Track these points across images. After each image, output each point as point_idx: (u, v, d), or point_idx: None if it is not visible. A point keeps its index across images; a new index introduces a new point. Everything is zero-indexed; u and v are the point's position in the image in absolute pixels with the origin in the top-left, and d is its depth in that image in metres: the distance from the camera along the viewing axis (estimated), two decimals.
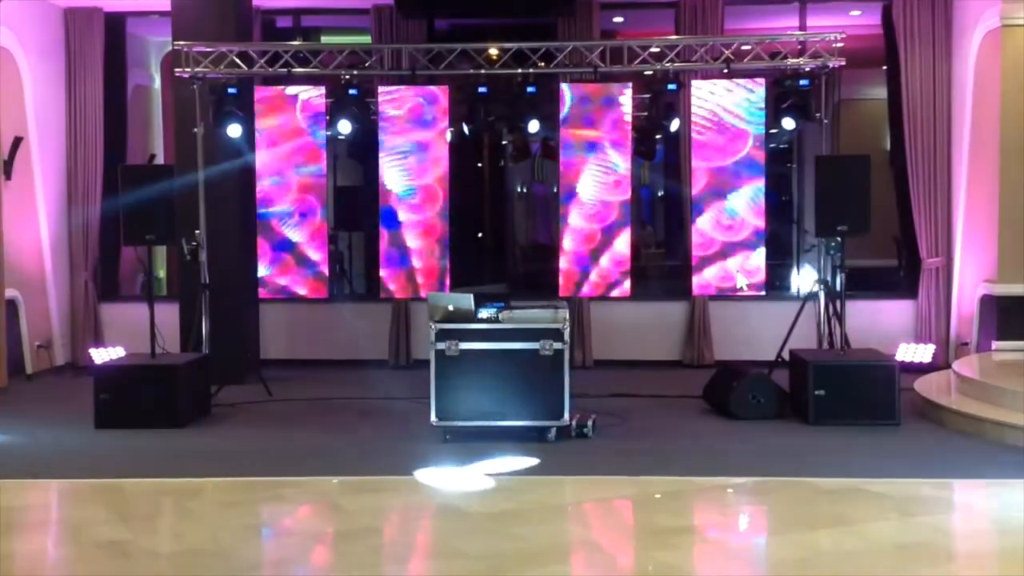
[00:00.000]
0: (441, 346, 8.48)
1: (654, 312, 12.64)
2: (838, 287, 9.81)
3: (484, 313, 8.60)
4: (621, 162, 10.25)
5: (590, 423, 8.73)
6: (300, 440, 8.91)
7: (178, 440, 8.81)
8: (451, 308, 8.58)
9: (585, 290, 10.56)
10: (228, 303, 10.78)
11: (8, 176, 11.57)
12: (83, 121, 12.69)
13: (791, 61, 10.18)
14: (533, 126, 10.28)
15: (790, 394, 9.53)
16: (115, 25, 13.04)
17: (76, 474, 7.85)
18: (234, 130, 10.35)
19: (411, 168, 10.43)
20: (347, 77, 10.35)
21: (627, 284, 10.46)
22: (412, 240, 10.50)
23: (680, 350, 12.56)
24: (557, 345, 8.43)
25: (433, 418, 8.51)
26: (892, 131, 12.61)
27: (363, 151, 10.69)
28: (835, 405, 9.05)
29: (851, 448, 8.35)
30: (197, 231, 10.51)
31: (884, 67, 12.67)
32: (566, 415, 8.47)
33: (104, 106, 12.77)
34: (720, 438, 8.82)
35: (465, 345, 8.47)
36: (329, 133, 10.51)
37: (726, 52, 10.21)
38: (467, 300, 8.63)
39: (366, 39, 12.76)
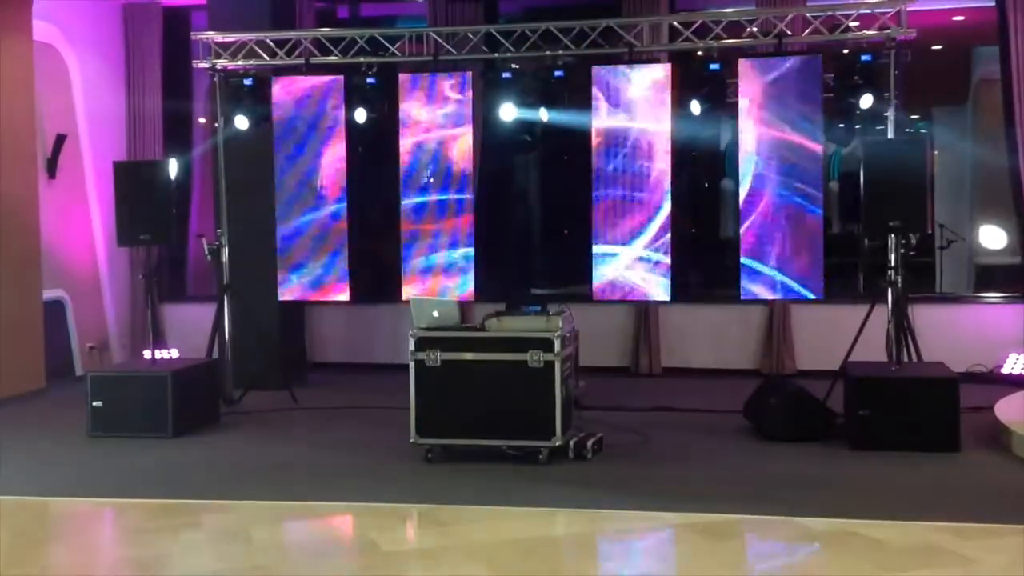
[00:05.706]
0: (420, 356, 7.69)
1: (730, 316, 11.52)
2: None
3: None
4: (660, 150, 9.26)
5: (590, 444, 7.79)
6: (280, 455, 8.26)
7: (156, 452, 8.27)
8: (436, 314, 7.80)
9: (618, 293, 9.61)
10: (251, 304, 10.24)
11: (52, 175, 11.37)
12: (142, 117, 12.44)
13: (852, 35, 8.96)
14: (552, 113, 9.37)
15: (837, 414, 8.36)
16: (176, 20, 12.74)
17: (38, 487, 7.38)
18: (249, 123, 9.83)
19: (434, 160, 9.67)
20: (365, 67, 9.69)
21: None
22: (436, 237, 9.75)
23: (758, 359, 11.42)
24: (547, 356, 7.52)
25: (413, 435, 7.75)
26: (1006, 116, 11.11)
27: (382, 142, 9.95)
28: (883, 428, 7.83)
29: (887, 478, 7.19)
30: (219, 230, 10.06)
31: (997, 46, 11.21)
32: (558, 435, 7.55)
33: (163, 102, 12.50)
34: (743, 464, 7.75)
35: (446, 355, 7.66)
36: (348, 123, 9.82)
37: (780, 25, 9.11)
38: (452, 306, 7.85)
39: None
